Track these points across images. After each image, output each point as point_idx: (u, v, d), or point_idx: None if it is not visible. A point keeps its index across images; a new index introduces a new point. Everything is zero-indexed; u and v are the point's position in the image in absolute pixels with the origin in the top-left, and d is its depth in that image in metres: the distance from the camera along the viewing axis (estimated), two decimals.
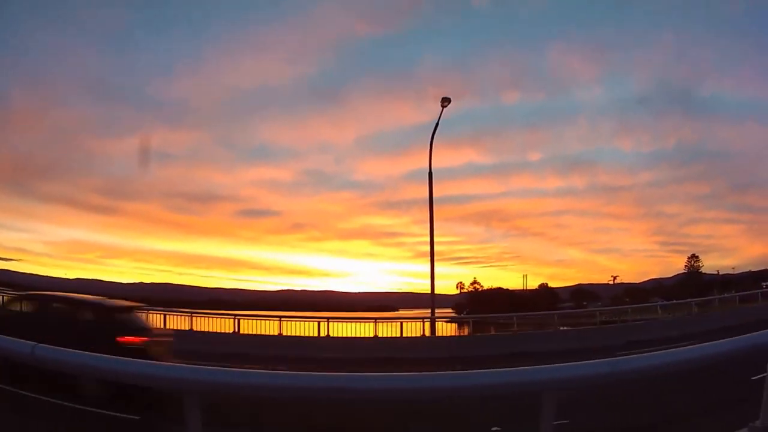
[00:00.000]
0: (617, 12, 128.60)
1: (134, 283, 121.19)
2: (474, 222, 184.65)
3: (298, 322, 27.00)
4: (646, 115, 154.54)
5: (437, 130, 28.04)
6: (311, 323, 26.43)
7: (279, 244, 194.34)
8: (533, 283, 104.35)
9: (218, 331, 26.62)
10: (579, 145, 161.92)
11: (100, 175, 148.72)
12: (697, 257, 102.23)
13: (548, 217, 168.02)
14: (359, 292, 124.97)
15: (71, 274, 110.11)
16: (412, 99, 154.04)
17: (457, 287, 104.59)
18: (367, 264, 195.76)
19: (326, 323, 25.99)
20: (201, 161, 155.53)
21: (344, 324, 27.06)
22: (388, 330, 27.28)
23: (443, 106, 28.19)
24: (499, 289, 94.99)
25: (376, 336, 25.75)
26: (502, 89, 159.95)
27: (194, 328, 26.08)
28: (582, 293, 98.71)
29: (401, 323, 26.81)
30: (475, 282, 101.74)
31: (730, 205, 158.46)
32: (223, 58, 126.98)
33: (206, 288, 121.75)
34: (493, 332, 32.91)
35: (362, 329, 27.22)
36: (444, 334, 29.69)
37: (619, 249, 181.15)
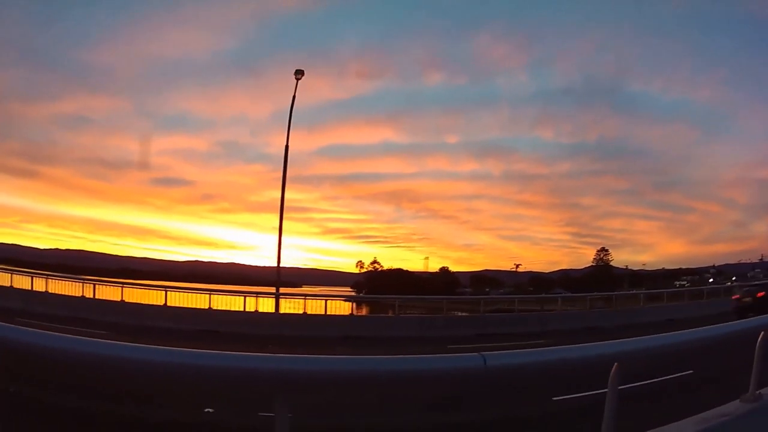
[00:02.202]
0: (548, 2, 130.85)
1: (51, 249, 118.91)
2: (384, 201, 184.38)
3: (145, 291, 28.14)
4: (570, 107, 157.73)
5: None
6: (159, 292, 27.45)
7: (189, 215, 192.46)
8: (438, 266, 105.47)
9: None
10: (498, 132, 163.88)
11: (21, 139, 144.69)
12: (606, 250, 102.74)
13: (460, 200, 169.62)
14: (264, 266, 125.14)
15: None
16: (331, 75, 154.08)
17: (357, 266, 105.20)
18: (274, 238, 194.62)
19: (164, 293, 26.94)
20: (119, 128, 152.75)
21: (186, 294, 27.78)
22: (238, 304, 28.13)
23: (297, 79, 29.01)
24: (399, 270, 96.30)
25: (210, 308, 26.39)
26: (424, 71, 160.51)
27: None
28: (483, 279, 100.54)
29: (245, 298, 27.59)
30: (374, 261, 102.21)
31: (649, 203, 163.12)
32: (146, 27, 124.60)
33: (117, 256, 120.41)
34: (390, 314, 32.96)
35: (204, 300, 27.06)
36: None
37: (530, 237, 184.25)
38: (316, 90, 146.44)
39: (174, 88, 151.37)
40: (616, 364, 4.08)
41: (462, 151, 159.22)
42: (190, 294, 27.64)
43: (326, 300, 28.26)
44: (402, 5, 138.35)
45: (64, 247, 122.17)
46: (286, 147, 29.14)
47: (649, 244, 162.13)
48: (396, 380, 3.64)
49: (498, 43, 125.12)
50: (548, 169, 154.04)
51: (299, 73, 29.04)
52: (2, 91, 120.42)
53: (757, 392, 5.44)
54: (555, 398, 10.05)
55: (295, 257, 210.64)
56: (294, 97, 29.03)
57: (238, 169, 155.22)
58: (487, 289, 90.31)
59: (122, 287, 27.42)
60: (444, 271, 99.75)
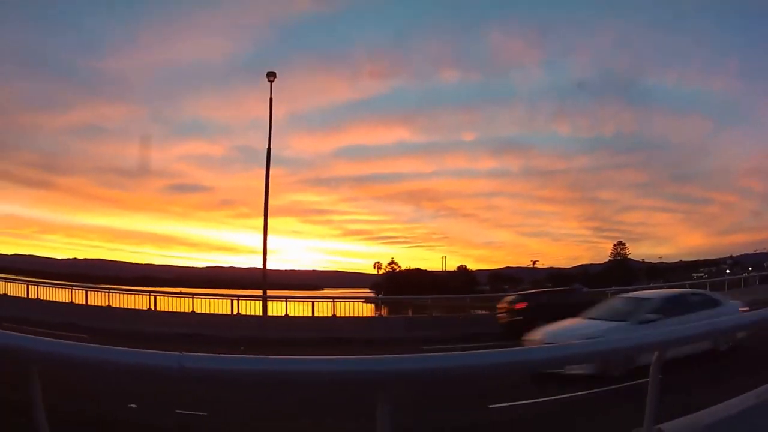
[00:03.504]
0: None
1: (69, 259, 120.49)
2: (403, 201, 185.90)
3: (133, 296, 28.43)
4: (586, 101, 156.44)
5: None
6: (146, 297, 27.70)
7: (208, 221, 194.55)
8: (458, 265, 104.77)
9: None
10: (515, 128, 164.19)
11: (35, 149, 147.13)
12: (623, 244, 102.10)
13: (479, 198, 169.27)
14: (285, 270, 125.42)
15: (8, 250, 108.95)
16: (346, 76, 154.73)
17: (374, 267, 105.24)
18: (295, 241, 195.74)
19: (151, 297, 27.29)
20: (134, 136, 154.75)
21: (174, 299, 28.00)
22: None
23: (270, 81, 28.82)
24: (417, 270, 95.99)
25: (192, 311, 26.55)
26: (439, 69, 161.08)
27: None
28: (502, 277, 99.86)
29: (232, 301, 27.25)
30: (392, 262, 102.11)
31: (667, 195, 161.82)
32: (158, 34, 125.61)
33: (137, 264, 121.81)
34: (410, 314, 33.51)
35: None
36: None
37: (550, 233, 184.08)
38: (331, 92, 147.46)
39: (189, 94, 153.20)
40: (382, 393, 3.40)
41: (479, 149, 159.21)
42: (176, 298, 27.79)
43: (313, 302, 28.19)
44: (414, 4, 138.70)
45: (82, 257, 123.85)
46: (269, 150, 28.96)
47: (668, 237, 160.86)
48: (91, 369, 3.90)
49: (512, 39, 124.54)
50: (566, 164, 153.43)
51: (271, 76, 28.77)
52: (16, 101, 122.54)
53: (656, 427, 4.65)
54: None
55: (315, 260, 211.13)
56: (270, 99, 28.90)
57: (256, 173, 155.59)
58: (506, 287, 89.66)
59: (108, 293, 27.70)
60: (461, 269, 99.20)
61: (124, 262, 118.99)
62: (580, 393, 10.91)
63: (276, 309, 27.69)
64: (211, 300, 28.13)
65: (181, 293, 28.39)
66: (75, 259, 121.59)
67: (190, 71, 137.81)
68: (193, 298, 27.08)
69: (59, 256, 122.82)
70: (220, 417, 9.51)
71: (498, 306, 24.49)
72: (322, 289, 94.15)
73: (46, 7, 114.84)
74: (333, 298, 28.83)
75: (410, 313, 33.84)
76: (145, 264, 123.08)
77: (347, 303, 29.50)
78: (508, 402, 10.18)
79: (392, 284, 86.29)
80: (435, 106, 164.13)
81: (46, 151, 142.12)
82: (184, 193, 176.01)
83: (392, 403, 3.36)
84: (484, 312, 35.06)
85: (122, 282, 51.33)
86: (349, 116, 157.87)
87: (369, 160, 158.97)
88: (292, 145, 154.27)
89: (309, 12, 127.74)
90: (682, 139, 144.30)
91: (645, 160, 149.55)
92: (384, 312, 38.16)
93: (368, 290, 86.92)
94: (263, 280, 28.06)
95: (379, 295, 68.50)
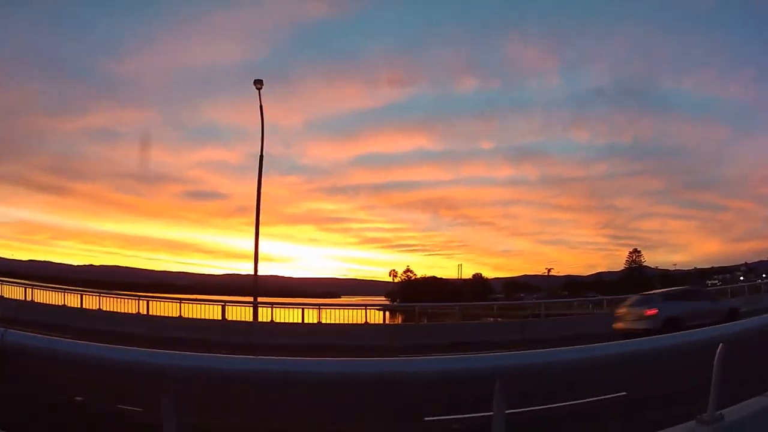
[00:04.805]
0: (578, 2, 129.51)
1: (84, 266, 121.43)
2: (421, 209, 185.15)
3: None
4: (603, 108, 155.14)
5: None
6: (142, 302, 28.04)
7: (224, 228, 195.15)
8: (474, 273, 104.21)
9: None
10: (532, 136, 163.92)
11: (50, 154, 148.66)
12: (639, 252, 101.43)
13: (497, 206, 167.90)
14: (303, 278, 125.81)
15: (23, 256, 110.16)
16: (363, 83, 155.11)
17: (390, 275, 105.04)
18: (312, 249, 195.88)
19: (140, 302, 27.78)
20: (150, 140, 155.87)
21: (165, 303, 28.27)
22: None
23: (258, 89, 28.65)
24: (433, 278, 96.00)
25: (179, 316, 26.92)
26: (457, 76, 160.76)
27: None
28: (517, 285, 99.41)
29: (223, 306, 27.52)
30: (408, 270, 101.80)
31: (684, 202, 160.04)
32: (174, 37, 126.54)
33: (152, 270, 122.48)
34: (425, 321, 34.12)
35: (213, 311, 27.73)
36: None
37: (567, 241, 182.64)
38: (349, 99, 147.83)
39: (204, 98, 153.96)
40: (165, 389, 3.84)
41: (497, 157, 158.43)
42: (167, 303, 28.13)
43: (303, 309, 28.13)
44: (431, 11, 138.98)
45: (98, 263, 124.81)
46: (261, 157, 29.05)
47: (684, 244, 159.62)
48: None
49: (529, 47, 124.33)
50: (584, 171, 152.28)
51: (258, 83, 28.61)
52: (31, 104, 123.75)
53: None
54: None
55: (334, 268, 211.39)
56: (261, 107, 28.84)
57: (273, 180, 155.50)
58: (522, 295, 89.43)
59: (99, 296, 28.19)
60: (476, 277, 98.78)
61: (140, 269, 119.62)
62: None
63: (267, 315, 27.76)
64: (202, 306, 28.37)
65: (170, 298, 28.70)
66: (91, 265, 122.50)
67: (206, 76, 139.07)
68: (180, 303, 27.35)
69: (75, 263, 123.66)
70: None
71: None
72: (339, 297, 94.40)
73: (61, 10, 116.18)
74: (319, 305, 28.98)
75: (425, 321, 34.15)
76: (160, 271, 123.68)
77: (358, 310, 30.00)
78: None
79: (407, 292, 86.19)
80: (453, 114, 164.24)
81: (60, 156, 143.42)
82: (199, 200, 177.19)
83: (174, 399, 3.70)
84: (492, 319, 35.49)
85: (134, 288, 51.75)
86: (366, 124, 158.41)
87: (387, 168, 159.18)
88: (308, 153, 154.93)
89: (326, 18, 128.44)
90: (699, 146, 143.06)
91: (661, 167, 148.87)
92: (399, 320, 38.53)
93: (384, 298, 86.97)
94: (254, 286, 28.19)
95: (392, 303, 68.62)
